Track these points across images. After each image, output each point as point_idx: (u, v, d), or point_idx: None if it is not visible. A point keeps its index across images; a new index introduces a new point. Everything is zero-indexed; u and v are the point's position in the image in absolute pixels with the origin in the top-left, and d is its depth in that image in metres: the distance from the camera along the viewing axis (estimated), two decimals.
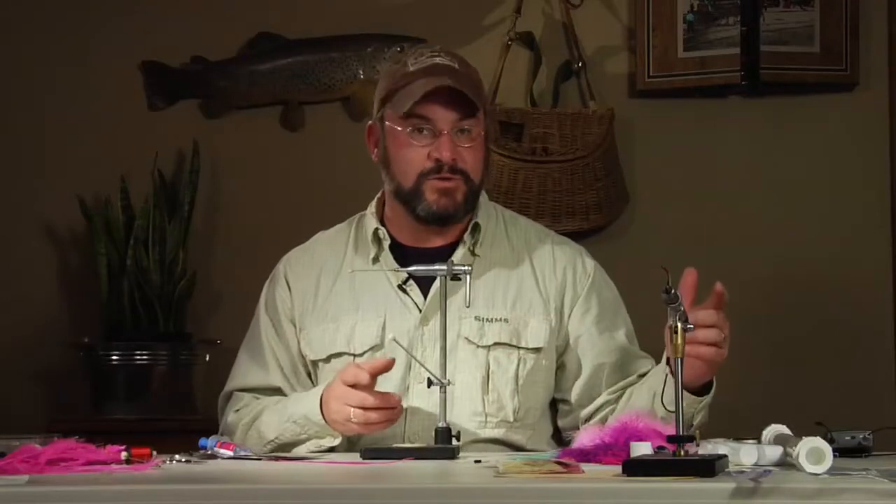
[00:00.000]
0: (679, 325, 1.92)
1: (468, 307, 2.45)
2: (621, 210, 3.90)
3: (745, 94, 3.91)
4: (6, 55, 4.00)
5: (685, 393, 2.34)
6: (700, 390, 2.39)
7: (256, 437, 2.51)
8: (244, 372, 2.65)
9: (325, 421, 2.42)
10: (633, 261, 3.75)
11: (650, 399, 2.42)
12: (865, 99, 3.91)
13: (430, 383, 2.36)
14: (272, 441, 2.50)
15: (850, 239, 3.89)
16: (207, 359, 3.78)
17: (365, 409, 2.35)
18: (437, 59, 2.56)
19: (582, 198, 3.81)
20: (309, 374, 2.62)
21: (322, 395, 2.43)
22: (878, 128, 3.91)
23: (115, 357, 3.74)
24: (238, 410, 2.60)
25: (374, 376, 2.35)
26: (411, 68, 2.55)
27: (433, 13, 3.98)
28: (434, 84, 2.50)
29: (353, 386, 2.36)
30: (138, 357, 3.74)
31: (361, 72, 3.93)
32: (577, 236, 3.60)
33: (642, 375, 2.56)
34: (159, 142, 3.91)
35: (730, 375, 3.81)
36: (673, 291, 1.94)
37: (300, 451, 2.47)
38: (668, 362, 2.34)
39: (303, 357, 2.62)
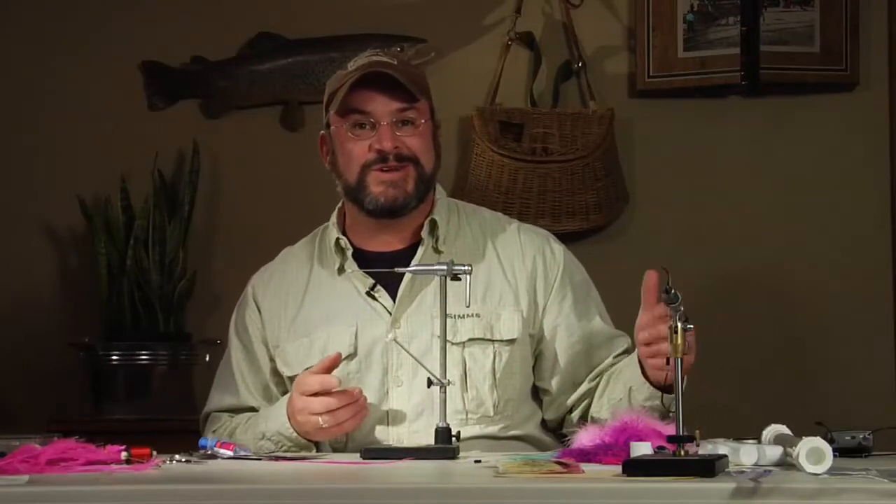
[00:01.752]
0: (679, 325, 1.92)
1: (468, 306, 2.45)
2: (621, 210, 3.90)
3: (745, 94, 3.90)
4: (6, 55, 4.00)
5: (651, 389, 2.38)
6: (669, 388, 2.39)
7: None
8: (219, 396, 2.67)
9: (298, 433, 2.43)
10: (633, 261, 3.75)
11: (626, 393, 2.44)
12: (865, 99, 3.91)
13: (430, 383, 2.36)
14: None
15: (850, 239, 3.89)
16: (207, 359, 3.77)
17: (331, 411, 2.36)
18: (375, 58, 2.57)
19: (582, 198, 3.81)
20: (285, 393, 2.60)
21: (287, 409, 2.44)
22: (878, 128, 3.91)
23: (115, 357, 3.74)
24: (215, 431, 2.62)
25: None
26: (350, 68, 2.57)
27: (433, 13, 3.98)
28: (364, 71, 2.51)
29: (316, 393, 2.37)
30: (138, 357, 3.75)
31: None
32: (577, 236, 3.61)
33: (619, 355, 2.57)
34: (159, 142, 3.91)
35: (730, 375, 3.83)
36: (673, 291, 1.94)
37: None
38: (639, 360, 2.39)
39: (278, 376, 2.62)
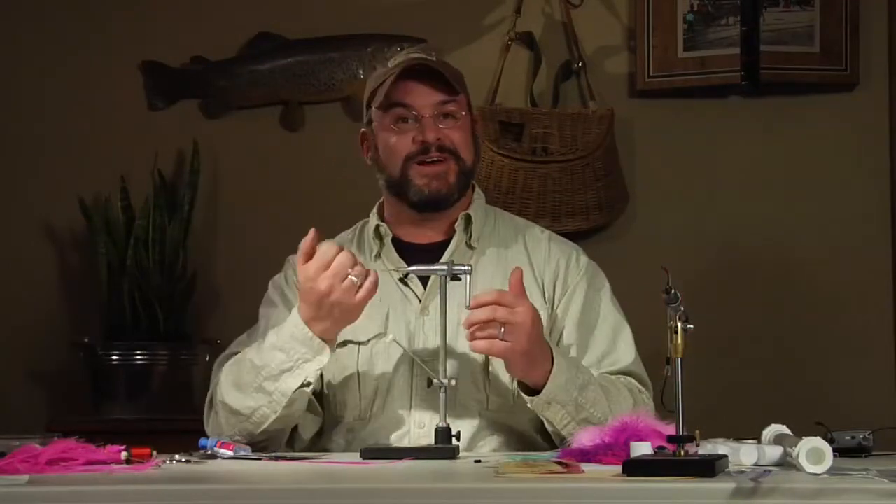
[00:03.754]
0: (679, 324, 1.92)
1: (468, 307, 2.45)
2: (621, 210, 3.90)
3: (745, 94, 3.91)
4: (6, 55, 4.00)
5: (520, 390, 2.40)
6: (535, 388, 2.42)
7: (236, 373, 2.46)
8: (243, 339, 2.61)
9: (313, 332, 2.38)
10: (634, 260, 3.75)
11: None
12: (865, 99, 3.91)
13: (430, 383, 2.37)
14: (255, 370, 2.42)
15: (850, 239, 3.89)
16: (207, 359, 3.78)
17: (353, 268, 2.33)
18: (414, 54, 2.62)
19: (582, 198, 3.81)
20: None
21: (301, 312, 2.38)
22: (878, 128, 3.91)
23: (115, 357, 3.74)
24: (225, 366, 2.56)
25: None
26: (391, 66, 2.61)
27: (433, 13, 3.98)
28: (406, 64, 2.55)
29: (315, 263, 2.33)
30: (138, 357, 3.75)
31: (361, 72, 3.93)
32: (577, 236, 3.60)
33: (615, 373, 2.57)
34: (159, 142, 3.91)
35: (730, 375, 3.83)
36: (673, 291, 1.94)
37: (287, 385, 2.40)
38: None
39: None
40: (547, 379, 2.39)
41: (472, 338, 2.33)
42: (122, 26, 4.00)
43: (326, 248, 2.35)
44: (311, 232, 2.38)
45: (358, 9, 4.00)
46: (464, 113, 2.59)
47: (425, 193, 2.55)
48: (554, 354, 2.41)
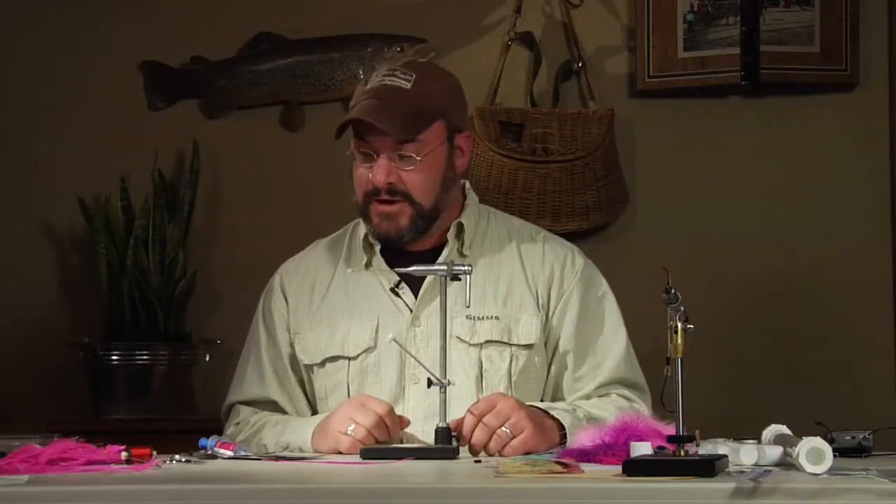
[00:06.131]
0: (679, 324, 1.92)
1: (468, 307, 2.45)
2: (621, 210, 3.90)
3: (745, 94, 3.91)
4: (6, 55, 4.00)
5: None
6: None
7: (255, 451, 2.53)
8: (243, 385, 2.66)
9: (316, 449, 2.43)
10: (634, 261, 3.75)
11: None
12: (865, 99, 3.91)
13: (430, 383, 2.36)
14: (257, 446, 2.51)
15: (850, 239, 3.89)
16: (207, 359, 3.78)
17: (368, 431, 2.34)
18: (388, 81, 2.53)
19: (582, 198, 3.81)
20: (302, 382, 2.63)
21: (333, 413, 2.43)
22: (878, 128, 3.91)
23: (115, 357, 3.74)
24: (237, 424, 2.63)
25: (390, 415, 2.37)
26: (367, 87, 2.56)
27: (433, 13, 3.98)
28: (354, 115, 2.50)
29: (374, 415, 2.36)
30: (138, 357, 3.75)
31: (361, 72, 3.93)
32: (577, 236, 3.61)
33: (603, 386, 2.57)
34: (159, 142, 3.91)
35: (730, 375, 3.83)
36: (673, 291, 1.94)
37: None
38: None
39: (295, 363, 2.63)
40: (563, 436, 2.39)
41: (493, 452, 2.31)
42: (122, 26, 4.00)
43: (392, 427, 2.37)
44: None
45: (358, 9, 4.00)
46: (427, 152, 2.52)
47: (377, 233, 2.55)
48: (554, 415, 2.42)
